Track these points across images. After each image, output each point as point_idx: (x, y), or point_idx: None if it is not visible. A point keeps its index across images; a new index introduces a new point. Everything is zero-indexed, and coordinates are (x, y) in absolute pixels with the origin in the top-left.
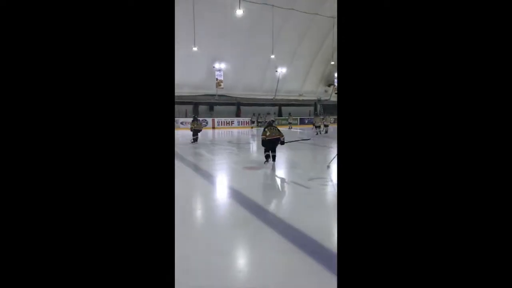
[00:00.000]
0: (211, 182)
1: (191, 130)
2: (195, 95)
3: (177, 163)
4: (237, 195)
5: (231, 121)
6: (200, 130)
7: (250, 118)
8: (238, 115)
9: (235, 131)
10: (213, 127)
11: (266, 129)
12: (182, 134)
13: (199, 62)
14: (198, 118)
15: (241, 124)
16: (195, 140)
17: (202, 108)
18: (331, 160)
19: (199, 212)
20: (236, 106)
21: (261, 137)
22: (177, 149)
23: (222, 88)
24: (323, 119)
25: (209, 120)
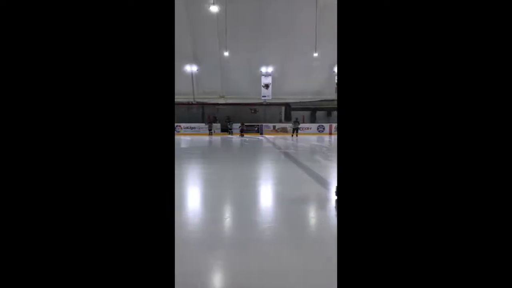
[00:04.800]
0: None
1: None
2: (313, 101)
3: None
4: None
5: None
6: None
7: None
8: None
9: None
10: (330, 133)
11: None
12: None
13: (320, 67)
14: None
15: None
16: None
17: (319, 113)
18: None
19: None
20: None
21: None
22: None
23: None
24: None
25: (327, 126)
